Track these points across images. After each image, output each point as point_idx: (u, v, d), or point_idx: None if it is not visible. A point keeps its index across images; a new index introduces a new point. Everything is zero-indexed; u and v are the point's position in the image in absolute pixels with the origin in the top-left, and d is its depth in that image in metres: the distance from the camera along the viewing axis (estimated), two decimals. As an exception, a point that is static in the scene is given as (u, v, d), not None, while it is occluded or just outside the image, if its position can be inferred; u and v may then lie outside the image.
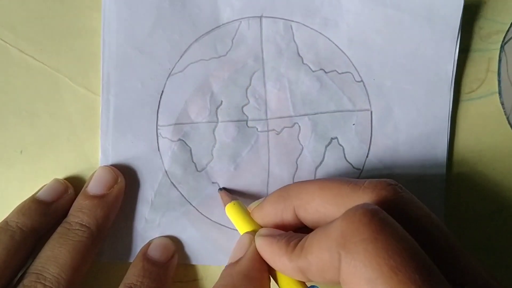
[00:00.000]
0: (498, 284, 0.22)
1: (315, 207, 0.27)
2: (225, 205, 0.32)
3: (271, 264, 0.27)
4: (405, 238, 0.21)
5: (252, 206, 0.31)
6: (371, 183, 0.25)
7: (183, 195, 0.33)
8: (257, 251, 0.28)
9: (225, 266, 0.28)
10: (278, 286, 0.27)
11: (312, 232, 0.24)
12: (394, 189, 0.25)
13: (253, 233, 0.29)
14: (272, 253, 0.26)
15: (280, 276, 0.27)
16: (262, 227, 0.30)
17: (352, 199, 0.25)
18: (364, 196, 0.25)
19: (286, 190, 0.29)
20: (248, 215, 0.30)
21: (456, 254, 0.23)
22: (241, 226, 0.30)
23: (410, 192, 0.25)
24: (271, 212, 0.29)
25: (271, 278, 0.28)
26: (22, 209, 0.31)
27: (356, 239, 0.21)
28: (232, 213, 0.31)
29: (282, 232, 0.28)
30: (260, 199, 0.31)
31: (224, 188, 0.33)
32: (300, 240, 0.25)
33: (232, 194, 0.33)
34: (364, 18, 0.33)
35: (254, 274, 0.27)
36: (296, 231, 0.28)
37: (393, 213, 0.22)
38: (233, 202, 0.31)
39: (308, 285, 0.26)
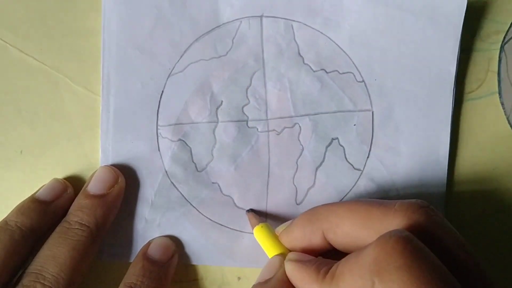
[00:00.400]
0: None
1: (345, 230, 0.26)
2: (253, 227, 0.32)
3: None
4: (438, 266, 0.21)
5: (280, 229, 0.31)
6: (402, 205, 0.25)
7: (183, 195, 0.33)
8: (285, 274, 0.28)
9: (253, 285, 0.28)
10: None
11: (343, 259, 0.24)
12: (426, 212, 0.25)
13: (283, 255, 0.29)
14: (302, 279, 0.26)
15: None
16: (290, 250, 0.30)
17: (383, 223, 0.25)
18: (395, 220, 0.25)
19: (314, 213, 0.29)
20: (276, 238, 0.31)
21: (486, 284, 0.23)
22: (270, 249, 0.30)
23: (440, 215, 0.25)
24: (300, 236, 0.29)
25: None
26: (22, 209, 0.31)
27: (390, 266, 0.21)
28: (260, 235, 0.31)
29: (311, 257, 0.28)
30: (287, 222, 0.31)
31: (252, 210, 0.33)
32: (330, 267, 0.25)
33: (232, 192, 0.33)
34: (366, 18, 0.33)
35: None
36: (325, 254, 0.28)
37: (425, 238, 0.22)
38: (261, 224, 0.31)
39: None
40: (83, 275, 0.30)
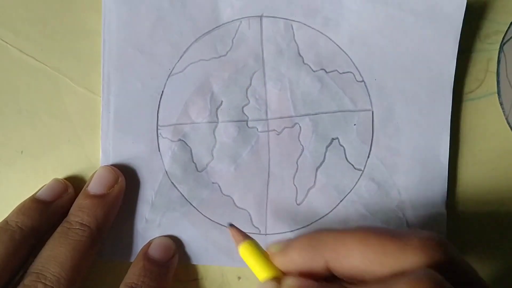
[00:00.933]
0: None
1: (355, 263, 0.24)
2: (238, 244, 0.28)
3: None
4: None
5: (273, 248, 0.27)
6: (420, 241, 0.23)
7: (183, 195, 0.33)
8: None
9: None
10: None
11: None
12: (445, 250, 0.23)
13: (276, 280, 0.26)
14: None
15: None
16: (284, 273, 0.26)
17: (399, 260, 0.23)
18: (414, 258, 0.23)
19: (318, 239, 0.26)
20: (266, 257, 0.27)
21: None
22: (260, 271, 0.26)
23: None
24: (297, 261, 0.26)
25: None
26: (22, 209, 0.31)
27: None
28: (247, 255, 0.27)
29: (313, 283, 0.25)
30: (280, 241, 0.27)
31: (232, 225, 0.29)
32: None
33: (232, 193, 0.33)
34: (366, 17, 0.33)
35: None
36: (324, 279, 0.26)
37: (446, 277, 0.21)
38: (247, 241, 0.27)
39: None
40: (83, 275, 0.30)
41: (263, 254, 0.27)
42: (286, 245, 0.26)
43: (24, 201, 0.31)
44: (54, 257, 0.29)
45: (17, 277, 0.29)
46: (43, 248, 0.30)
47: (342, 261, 0.24)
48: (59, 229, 0.30)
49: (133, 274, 0.31)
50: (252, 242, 0.27)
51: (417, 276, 0.21)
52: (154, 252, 0.32)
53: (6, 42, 0.33)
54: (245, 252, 0.27)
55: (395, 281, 0.21)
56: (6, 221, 0.30)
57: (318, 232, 0.26)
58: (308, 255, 0.25)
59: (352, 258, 0.24)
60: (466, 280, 0.23)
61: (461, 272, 0.23)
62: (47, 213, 0.31)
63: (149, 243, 0.33)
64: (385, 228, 0.25)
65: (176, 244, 0.33)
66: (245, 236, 0.28)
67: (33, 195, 0.32)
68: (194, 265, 0.34)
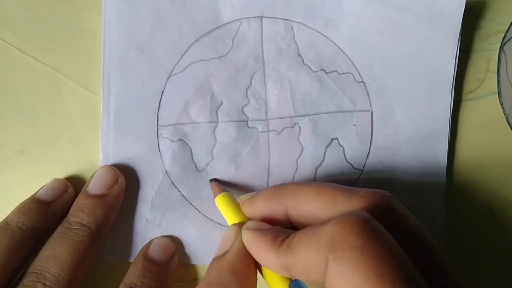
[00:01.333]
0: None
1: (309, 210, 0.26)
2: (215, 196, 0.31)
3: (256, 259, 0.26)
4: (395, 248, 0.21)
5: (243, 198, 0.30)
6: (367, 192, 0.25)
7: (183, 195, 0.33)
8: (243, 244, 0.27)
9: (212, 259, 0.28)
10: (264, 279, 0.27)
11: (301, 231, 0.24)
12: (388, 200, 0.25)
13: (240, 225, 0.29)
14: (258, 247, 0.26)
15: (265, 270, 0.27)
16: (250, 219, 0.29)
17: (346, 206, 0.25)
18: (358, 205, 0.25)
19: (281, 189, 0.28)
20: (238, 207, 0.30)
21: (443, 271, 0.23)
22: (230, 218, 0.30)
23: (403, 202, 0.25)
24: (262, 208, 0.29)
25: (258, 271, 0.27)
26: (22, 209, 0.31)
27: (346, 245, 0.21)
28: (221, 204, 0.31)
29: (269, 226, 0.27)
30: (252, 193, 0.31)
31: (215, 179, 0.33)
32: (287, 236, 0.24)
33: (232, 192, 0.33)
34: (365, 18, 0.33)
35: (240, 268, 0.27)
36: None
37: (385, 223, 0.22)
38: (223, 193, 0.31)
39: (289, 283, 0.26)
40: (83, 275, 0.30)
41: (237, 205, 0.30)
42: (253, 195, 0.30)
43: (24, 201, 0.31)
44: (53, 257, 0.29)
45: (17, 277, 0.29)
46: (43, 248, 0.30)
47: (299, 208, 0.27)
48: (59, 229, 0.30)
49: (132, 274, 0.31)
50: (227, 194, 0.31)
51: (346, 214, 0.22)
52: (153, 252, 0.32)
53: (6, 42, 0.33)
54: (220, 202, 0.31)
55: (328, 221, 0.22)
56: (6, 221, 0.30)
57: (283, 184, 0.29)
58: (271, 203, 0.28)
59: (308, 205, 0.26)
60: (409, 231, 0.24)
61: (400, 222, 0.24)
62: (47, 213, 0.31)
63: (149, 244, 0.33)
64: (339, 184, 0.27)
65: (176, 244, 0.33)
66: (223, 189, 0.31)
67: (33, 195, 0.32)
68: (194, 265, 0.34)
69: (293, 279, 0.26)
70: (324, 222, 0.23)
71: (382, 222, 0.22)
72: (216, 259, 0.28)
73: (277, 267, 0.25)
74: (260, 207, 0.29)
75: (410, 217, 0.25)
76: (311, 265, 0.22)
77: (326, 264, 0.21)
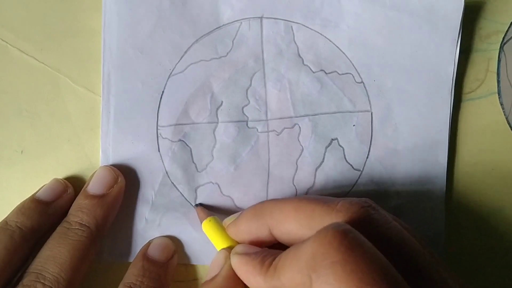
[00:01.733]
0: None
1: (289, 228, 0.26)
2: (202, 221, 0.32)
3: (246, 283, 0.27)
4: (376, 257, 0.21)
5: (227, 221, 0.31)
6: (344, 205, 0.25)
7: (183, 196, 0.33)
8: (232, 268, 0.28)
9: (202, 284, 0.29)
10: None
11: (285, 252, 0.24)
12: (366, 211, 0.25)
13: (229, 249, 0.29)
14: (247, 272, 0.26)
15: None
16: (238, 243, 0.30)
17: (324, 221, 0.25)
18: (336, 219, 0.25)
19: (260, 208, 0.29)
20: (224, 231, 0.31)
21: (430, 283, 0.23)
22: (218, 242, 0.31)
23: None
24: (246, 230, 0.29)
25: None
26: (22, 209, 0.31)
27: (326, 262, 0.21)
28: (208, 229, 0.31)
29: (257, 249, 0.28)
30: (235, 214, 0.31)
31: (201, 204, 0.33)
32: (274, 258, 0.25)
33: (232, 193, 0.33)
34: (365, 19, 0.33)
35: None
36: (273, 247, 0.28)
37: (365, 235, 0.22)
38: (209, 218, 0.31)
39: None
40: (83, 275, 0.30)
41: (223, 229, 0.31)
42: (237, 217, 0.30)
43: (24, 201, 0.31)
44: (53, 257, 0.29)
45: (16, 277, 0.29)
46: (42, 248, 0.30)
47: (281, 227, 0.27)
48: (58, 229, 0.30)
49: (132, 274, 0.31)
50: (213, 219, 0.31)
51: (324, 229, 0.22)
52: (153, 252, 0.32)
53: (6, 42, 0.33)
54: (206, 227, 0.31)
55: (308, 238, 0.22)
56: (5, 221, 0.30)
57: (262, 202, 0.29)
58: (254, 225, 0.28)
59: (288, 224, 0.26)
60: (386, 240, 0.24)
61: (380, 232, 0.24)
62: (47, 213, 0.31)
63: (149, 243, 0.33)
64: (318, 196, 0.27)
65: (176, 244, 0.33)
66: (209, 214, 0.32)
67: (33, 195, 0.32)
68: (194, 265, 0.34)
69: None
70: (304, 241, 0.23)
71: (362, 233, 0.22)
72: (206, 283, 0.28)
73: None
74: (243, 229, 0.29)
75: (392, 227, 0.25)
76: (297, 286, 0.22)
77: (310, 283, 0.21)
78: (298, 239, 0.26)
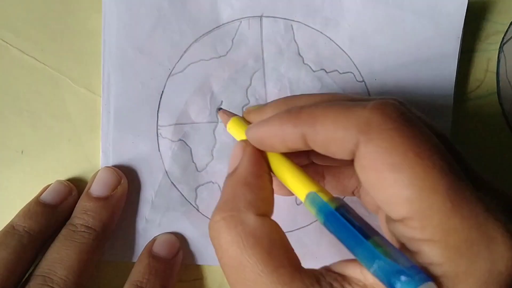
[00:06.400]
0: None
1: (328, 131, 0.23)
2: (226, 123, 0.30)
3: (272, 141, 0.25)
4: (429, 132, 0.21)
5: (250, 108, 0.29)
6: (376, 103, 0.22)
7: (183, 195, 0.33)
8: (252, 155, 0.26)
9: (225, 178, 0.26)
10: (283, 182, 0.26)
11: (325, 105, 0.23)
12: (400, 108, 0.23)
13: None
14: (272, 127, 0.24)
15: (277, 168, 0.26)
16: None
17: (361, 120, 0.22)
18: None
19: (290, 99, 0.27)
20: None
21: (469, 166, 0.23)
22: (242, 138, 0.28)
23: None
24: (274, 132, 0.25)
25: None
26: (28, 213, 0.31)
27: (382, 128, 0.21)
28: (232, 128, 0.29)
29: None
30: (259, 105, 0.29)
31: (221, 108, 0.31)
32: (302, 107, 0.23)
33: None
34: (366, 17, 0.33)
35: (252, 179, 0.25)
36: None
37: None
38: (233, 118, 0.29)
39: (307, 193, 0.24)
40: (89, 277, 0.31)
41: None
42: (262, 105, 0.28)
43: (29, 204, 0.31)
44: (60, 260, 0.29)
45: (23, 279, 0.30)
46: (48, 251, 0.30)
47: (321, 133, 0.23)
48: (64, 231, 0.31)
49: (138, 272, 0.31)
50: (237, 118, 0.29)
51: (382, 100, 0.22)
52: (158, 249, 0.32)
53: (7, 42, 0.33)
54: (231, 127, 0.29)
55: (361, 103, 0.22)
56: (12, 226, 0.30)
57: (292, 96, 0.27)
58: (287, 129, 0.25)
59: (327, 127, 0.23)
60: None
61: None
62: (53, 217, 0.31)
63: (153, 241, 0.33)
64: (346, 96, 0.26)
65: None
66: (233, 115, 0.29)
67: (37, 197, 0.32)
68: (194, 265, 0.34)
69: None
70: (355, 103, 0.22)
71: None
72: (228, 177, 0.26)
73: (292, 137, 0.23)
74: (269, 114, 0.26)
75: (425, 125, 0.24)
76: (334, 140, 0.22)
77: (355, 145, 0.21)
78: (333, 142, 0.23)
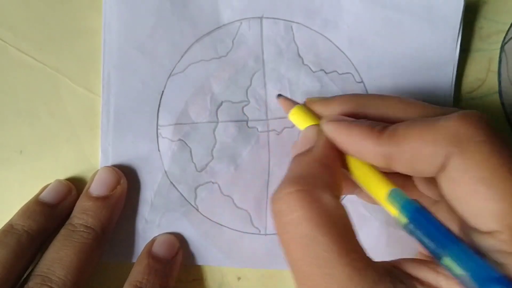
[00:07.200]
0: None
1: (415, 152, 0.23)
2: (287, 111, 0.29)
3: (348, 149, 0.25)
4: None
5: (313, 99, 0.29)
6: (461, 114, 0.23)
7: (183, 195, 0.33)
8: (328, 141, 0.25)
9: (293, 158, 0.25)
10: (352, 175, 0.25)
11: (408, 123, 0.23)
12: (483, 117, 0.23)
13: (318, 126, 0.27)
14: (351, 136, 0.24)
15: (353, 164, 0.25)
16: None
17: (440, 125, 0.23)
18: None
19: (359, 96, 0.27)
20: (315, 115, 0.28)
21: None
22: (306, 125, 0.28)
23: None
24: (337, 108, 0.26)
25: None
26: (27, 212, 0.31)
27: (473, 140, 0.21)
28: (296, 115, 0.28)
29: (354, 119, 0.25)
30: (323, 97, 0.29)
31: (280, 95, 0.30)
32: (384, 126, 0.23)
33: (232, 193, 0.33)
34: (364, 19, 0.33)
35: (328, 161, 0.24)
36: None
37: None
38: (297, 105, 0.28)
39: (389, 189, 0.24)
40: (88, 277, 0.31)
41: (312, 115, 0.28)
42: (328, 97, 0.28)
43: (28, 203, 0.32)
44: (59, 259, 0.29)
45: (22, 279, 0.30)
46: (47, 250, 0.30)
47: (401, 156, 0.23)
48: (63, 231, 0.31)
49: (137, 272, 0.31)
50: (301, 106, 0.28)
51: (468, 111, 0.22)
52: (158, 249, 0.32)
53: (5, 42, 0.33)
54: (294, 113, 0.28)
55: (445, 116, 0.22)
56: (11, 225, 0.30)
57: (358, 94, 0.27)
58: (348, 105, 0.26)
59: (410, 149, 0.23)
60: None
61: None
62: (52, 216, 0.31)
63: (153, 241, 0.33)
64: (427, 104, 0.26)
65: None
66: (294, 103, 0.29)
67: (36, 196, 0.32)
68: (194, 265, 0.34)
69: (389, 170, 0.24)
70: (438, 117, 0.22)
71: None
72: (300, 155, 0.25)
73: (375, 156, 0.23)
74: (335, 107, 0.27)
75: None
76: (422, 156, 0.22)
77: (445, 158, 0.21)
78: (420, 158, 0.23)
